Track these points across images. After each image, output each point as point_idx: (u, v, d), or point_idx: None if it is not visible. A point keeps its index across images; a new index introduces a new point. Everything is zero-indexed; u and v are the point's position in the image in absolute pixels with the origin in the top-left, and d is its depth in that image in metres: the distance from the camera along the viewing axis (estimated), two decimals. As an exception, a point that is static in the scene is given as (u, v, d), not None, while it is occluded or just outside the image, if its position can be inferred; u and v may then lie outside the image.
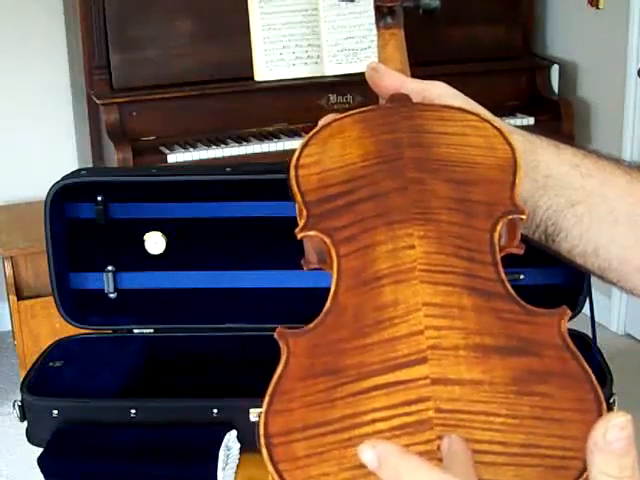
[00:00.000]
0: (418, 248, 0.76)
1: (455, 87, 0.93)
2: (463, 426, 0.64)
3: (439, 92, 0.92)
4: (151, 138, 3.08)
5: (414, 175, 0.83)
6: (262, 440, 0.67)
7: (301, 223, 0.83)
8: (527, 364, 0.68)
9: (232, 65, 3.16)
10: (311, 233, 0.82)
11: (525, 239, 0.88)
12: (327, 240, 0.81)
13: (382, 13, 1.06)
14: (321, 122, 0.91)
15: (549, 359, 0.69)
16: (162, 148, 3.05)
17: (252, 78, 3.18)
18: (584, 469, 0.60)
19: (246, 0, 3.16)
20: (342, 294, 0.77)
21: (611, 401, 1.39)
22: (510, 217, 0.80)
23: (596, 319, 1.48)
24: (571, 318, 1.50)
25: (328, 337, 0.73)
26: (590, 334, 1.50)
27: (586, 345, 1.52)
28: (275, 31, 3.19)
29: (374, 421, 0.65)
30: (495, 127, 0.87)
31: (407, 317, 0.71)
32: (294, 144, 3.11)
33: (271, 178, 1.52)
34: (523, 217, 0.80)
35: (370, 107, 0.93)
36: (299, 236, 0.83)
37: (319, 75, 3.22)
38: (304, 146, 0.89)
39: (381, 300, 0.74)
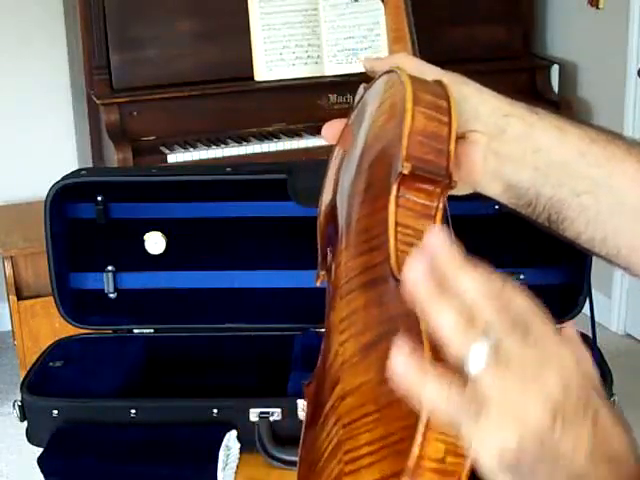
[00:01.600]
0: (342, 263, 0.76)
1: None
2: (354, 436, 0.65)
3: (430, 71, 0.85)
4: (151, 138, 3.08)
5: (352, 186, 0.81)
6: None
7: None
8: (390, 345, 0.61)
9: (232, 65, 3.16)
10: (321, 278, 0.85)
11: (529, 220, 0.84)
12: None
13: None
14: None
15: (403, 330, 0.61)
16: (162, 148, 3.05)
17: (252, 78, 3.18)
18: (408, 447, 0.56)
19: (246, 0, 3.16)
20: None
21: (611, 401, 1.40)
22: (395, 181, 0.70)
23: (596, 319, 1.48)
24: (571, 318, 1.51)
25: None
26: (590, 334, 1.50)
27: (586, 345, 1.52)
28: (275, 31, 3.19)
29: (324, 451, 0.70)
30: (399, 73, 0.76)
31: (332, 339, 0.73)
32: (294, 144, 3.11)
33: (271, 178, 1.52)
34: (405, 172, 0.69)
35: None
36: (318, 282, 0.86)
37: (319, 75, 3.22)
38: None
39: (326, 340, 0.77)
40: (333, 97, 3.20)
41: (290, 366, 1.51)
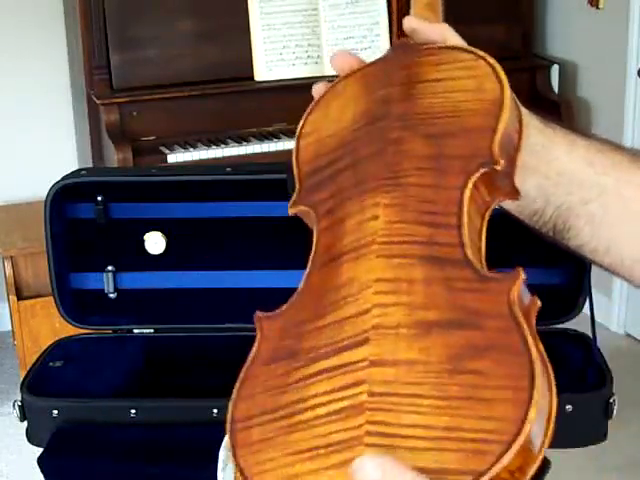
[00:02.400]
0: (381, 218, 0.72)
1: None
2: (392, 410, 0.62)
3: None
4: (151, 138, 3.08)
5: (394, 135, 0.78)
6: (227, 426, 0.67)
7: (292, 198, 0.81)
8: (467, 338, 0.63)
9: (232, 65, 3.16)
10: (296, 209, 0.80)
11: (529, 229, 0.85)
12: (312, 214, 0.78)
13: None
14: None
15: (490, 331, 0.63)
16: (162, 148, 3.05)
17: (252, 78, 3.18)
18: (503, 452, 0.57)
19: (246, 0, 3.16)
20: (312, 273, 0.74)
21: (611, 401, 1.40)
22: (483, 171, 0.73)
23: (596, 319, 1.48)
24: (571, 318, 1.51)
25: (294, 319, 0.71)
26: (590, 334, 1.50)
27: (586, 345, 1.52)
28: (275, 31, 3.19)
29: (315, 406, 0.64)
30: (489, 63, 0.80)
31: (358, 295, 0.68)
32: (294, 144, 3.11)
33: (271, 178, 1.52)
34: (497, 168, 0.73)
35: (376, 59, 0.87)
36: (290, 212, 0.81)
37: (319, 75, 3.22)
38: (309, 113, 0.85)
39: (340, 279, 0.71)
40: (333, 97, 3.20)
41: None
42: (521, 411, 0.58)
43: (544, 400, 0.60)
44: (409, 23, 0.89)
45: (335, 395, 0.64)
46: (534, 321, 0.65)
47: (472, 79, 0.79)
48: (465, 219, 0.70)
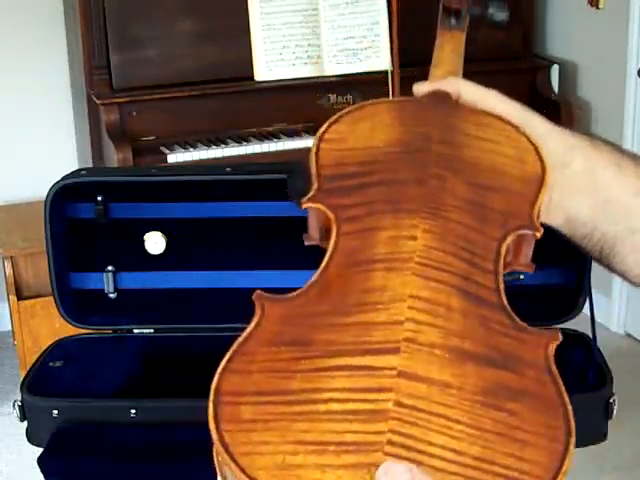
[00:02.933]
0: (420, 240, 0.75)
1: None
2: (420, 425, 0.62)
3: (493, 101, 0.90)
4: (151, 138, 3.08)
5: (436, 171, 0.81)
6: (211, 395, 0.67)
7: (309, 194, 0.82)
8: (503, 378, 0.65)
9: (232, 65, 3.16)
10: (314, 205, 0.81)
11: (581, 249, 0.87)
12: (331, 216, 0.79)
13: (447, 13, 1.04)
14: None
15: (527, 379, 0.66)
16: (162, 148, 3.05)
17: (252, 78, 3.17)
18: None
19: (246, 0, 3.16)
20: (332, 269, 0.75)
21: (611, 401, 1.40)
22: (522, 232, 0.78)
23: (596, 319, 1.48)
24: (571, 318, 1.51)
25: (307, 309, 0.72)
26: (590, 334, 1.50)
27: (586, 345, 1.52)
28: (275, 31, 3.19)
29: (330, 400, 0.63)
30: (531, 142, 0.85)
31: (390, 305, 0.69)
32: (294, 144, 3.11)
33: (271, 178, 1.52)
34: (537, 235, 0.78)
35: (409, 97, 0.92)
36: (304, 206, 0.82)
37: (319, 75, 3.22)
38: (333, 122, 0.89)
39: (369, 283, 0.72)
40: (333, 97, 3.20)
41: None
42: (557, 461, 0.60)
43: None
44: (421, 88, 0.91)
45: (355, 395, 0.64)
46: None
47: (514, 149, 0.84)
48: (500, 269, 0.74)
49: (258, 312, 0.73)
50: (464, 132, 0.86)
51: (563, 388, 0.66)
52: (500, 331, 0.69)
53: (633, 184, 0.86)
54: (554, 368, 0.67)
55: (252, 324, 0.72)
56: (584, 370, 1.49)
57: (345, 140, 0.86)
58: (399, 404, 0.63)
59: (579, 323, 1.48)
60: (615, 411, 1.40)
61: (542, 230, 0.78)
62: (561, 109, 3.37)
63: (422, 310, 0.69)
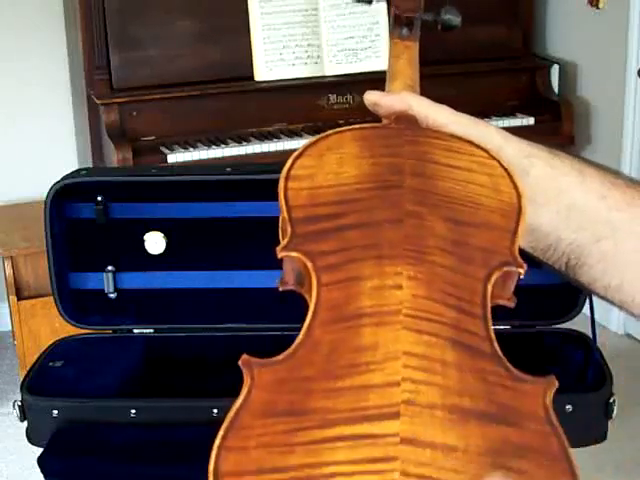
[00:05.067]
0: (406, 290, 0.71)
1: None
2: None
3: (444, 121, 0.86)
4: (151, 138, 3.08)
5: (412, 208, 0.78)
6: (210, 477, 0.63)
7: (284, 242, 0.78)
8: (505, 434, 0.63)
9: (232, 65, 3.16)
10: (293, 254, 0.76)
11: (540, 262, 0.84)
12: (309, 264, 0.75)
13: (399, 23, 1.00)
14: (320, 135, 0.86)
15: (529, 432, 0.64)
16: (162, 148, 3.05)
17: (252, 78, 3.18)
18: None
19: (246, 0, 3.16)
20: (317, 327, 0.71)
21: (611, 401, 1.40)
22: (506, 269, 0.75)
23: (596, 319, 1.47)
24: (571, 318, 1.50)
25: (296, 373, 0.68)
26: (590, 334, 1.50)
27: (586, 345, 1.52)
28: (275, 31, 3.19)
29: (334, 475, 0.60)
30: (503, 167, 0.82)
31: (384, 364, 0.66)
32: (294, 144, 3.11)
33: (271, 178, 1.51)
34: (521, 271, 0.75)
35: (373, 124, 0.88)
36: (280, 255, 0.78)
37: (319, 75, 3.22)
38: (298, 156, 0.84)
39: (359, 341, 0.68)
40: (333, 97, 3.20)
41: (290, 366, 1.51)
42: None
43: None
44: (369, 97, 0.89)
45: (361, 467, 0.61)
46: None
47: (487, 176, 0.81)
48: (489, 312, 0.71)
49: (247, 380, 0.69)
50: (435, 161, 0.82)
51: (563, 435, 0.64)
52: (497, 383, 0.67)
53: (597, 189, 0.83)
54: (554, 419, 0.65)
55: (242, 394, 0.68)
56: (584, 370, 1.49)
57: (313, 176, 0.82)
58: (406, 474, 0.60)
59: (579, 323, 1.48)
60: (615, 411, 1.39)
61: (525, 266, 0.75)
62: (561, 109, 3.37)
63: (418, 368, 0.66)
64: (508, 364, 0.68)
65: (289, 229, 0.78)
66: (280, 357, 0.70)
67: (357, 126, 0.86)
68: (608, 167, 0.88)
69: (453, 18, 1.01)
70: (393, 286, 0.71)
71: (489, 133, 0.85)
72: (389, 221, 0.77)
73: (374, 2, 1.02)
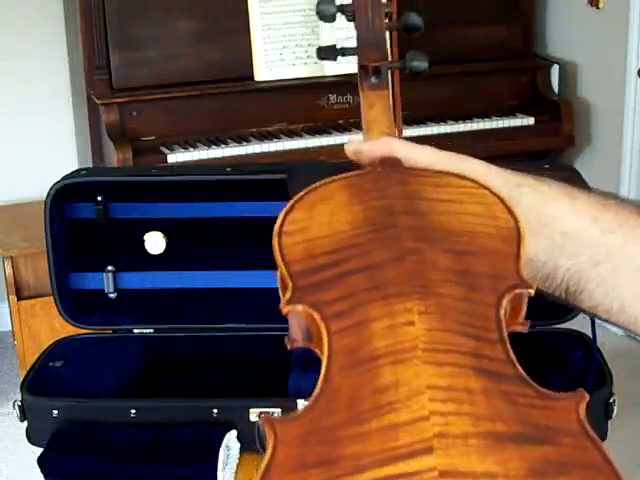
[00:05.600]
0: (418, 325, 0.70)
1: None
2: None
3: (427, 162, 0.85)
4: (151, 138, 3.08)
5: (411, 245, 0.76)
6: None
7: (286, 296, 0.76)
8: (544, 454, 0.61)
9: (232, 65, 3.16)
10: (299, 308, 0.74)
11: (540, 293, 0.83)
12: (316, 316, 0.73)
13: (367, 72, 0.98)
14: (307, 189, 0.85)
15: (568, 448, 0.63)
16: (162, 148, 3.05)
17: (252, 78, 3.18)
18: None
19: (246, 0, 3.16)
20: (335, 375, 0.69)
21: (611, 401, 1.39)
22: (517, 291, 0.74)
23: (596, 319, 1.47)
24: (571, 318, 1.50)
25: (321, 423, 0.66)
26: (590, 334, 1.50)
27: (586, 345, 1.52)
28: (275, 31, 3.19)
29: None
30: (494, 194, 0.81)
31: (409, 401, 0.64)
32: (294, 144, 3.11)
33: (271, 178, 1.52)
34: (531, 291, 0.74)
35: (357, 172, 0.86)
36: (285, 311, 0.76)
37: (319, 75, 3.22)
38: (288, 211, 0.83)
39: (379, 382, 0.67)
40: (333, 97, 3.20)
41: (290, 366, 1.51)
42: None
43: None
44: (350, 147, 0.87)
45: None
46: None
47: (480, 205, 0.80)
48: (505, 336, 0.70)
49: (271, 438, 0.66)
50: (425, 197, 0.81)
51: (604, 448, 0.63)
52: (526, 403, 0.65)
53: (588, 213, 0.82)
54: (590, 430, 0.64)
55: (268, 452, 0.65)
56: (584, 370, 1.49)
57: (306, 229, 0.81)
58: None
59: (579, 323, 1.48)
60: (615, 411, 1.39)
61: (534, 287, 0.74)
62: (561, 109, 3.37)
63: (444, 400, 0.64)
64: (534, 384, 0.67)
65: (290, 283, 0.77)
66: (301, 411, 0.68)
67: (342, 175, 0.85)
68: (597, 189, 0.87)
69: (420, 64, 0.99)
70: (405, 323, 0.70)
71: (474, 166, 0.84)
72: (390, 260, 0.75)
73: (339, 57, 1.01)
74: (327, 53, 1.02)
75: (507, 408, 0.64)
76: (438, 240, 0.77)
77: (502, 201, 0.80)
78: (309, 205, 0.84)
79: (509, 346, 0.70)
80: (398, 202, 0.81)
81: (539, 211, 0.82)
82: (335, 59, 1.02)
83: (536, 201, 0.82)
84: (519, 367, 0.68)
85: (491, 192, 0.81)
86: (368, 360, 0.69)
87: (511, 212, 0.79)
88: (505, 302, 0.73)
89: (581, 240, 0.82)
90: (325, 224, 0.81)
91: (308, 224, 0.82)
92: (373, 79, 0.98)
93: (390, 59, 0.98)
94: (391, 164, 0.85)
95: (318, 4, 1.00)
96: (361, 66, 0.98)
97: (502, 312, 0.72)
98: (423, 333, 0.69)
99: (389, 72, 0.98)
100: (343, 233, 0.79)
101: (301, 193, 0.85)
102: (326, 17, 1.00)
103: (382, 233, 0.78)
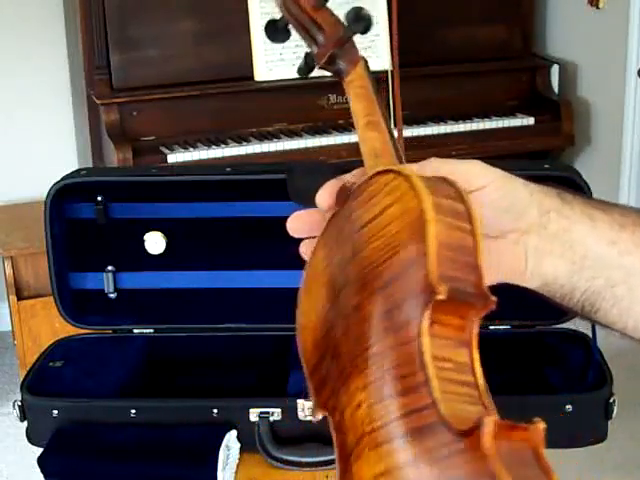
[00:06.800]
0: (363, 405, 0.66)
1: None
2: None
3: (483, 183, 0.77)
4: (151, 138, 3.08)
5: (354, 302, 0.69)
6: None
7: (313, 405, 0.73)
8: None
9: (232, 65, 3.16)
10: (319, 413, 0.72)
11: (562, 308, 0.83)
12: (328, 416, 0.71)
13: (331, 66, 0.94)
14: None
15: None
16: (162, 148, 3.05)
17: (252, 78, 3.18)
18: None
19: (246, 0, 3.16)
20: (339, 476, 0.69)
21: (611, 401, 1.40)
22: (427, 311, 0.63)
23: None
24: (571, 318, 1.51)
25: None
26: (590, 334, 1.51)
27: (586, 345, 1.52)
28: (275, 31, 3.19)
29: None
30: (404, 175, 0.68)
31: None
32: (294, 144, 3.11)
33: (271, 178, 1.52)
34: (440, 297, 0.62)
35: (330, 217, 0.76)
36: (318, 416, 0.73)
37: (319, 75, 3.21)
38: (300, 302, 0.76)
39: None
40: (333, 97, 3.20)
41: (290, 366, 1.51)
42: None
43: None
44: (324, 191, 0.78)
45: None
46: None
47: (397, 203, 0.68)
48: (431, 370, 0.62)
49: None
50: (362, 224, 0.71)
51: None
52: (446, 455, 0.61)
53: (607, 235, 0.83)
54: (497, 466, 0.59)
55: None
56: (584, 370, 1.49)
57: (309, 317, 0.75)
58: None
59: (579, 323, 1.48)
60: (615, 411, 1.40)
61: (443, 287, 0.62)
62: (561, 109, 3.37)
63: None
64: (452, 420, 0.61)
65: (310, 389, 0.73)
66: None
67: (323, 230, 0.76)
68: (614, 203, 0.87)
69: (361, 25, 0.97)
70: (356, 407, 0.66)
71: (515, 188, 0.80)
72: (344, 333, 0.69)
73: (315, 69, 0.99)
74: (303, 71, 1.00)
75: (432, 472, 0.61)
76: (369, 279, 0.68)
77: (409, 180, 0.68)
78: (308, 286, 0.76)
79: (435, 382, 0.62)
80: (347, 248, 0.72)
81: (564, 236, 0.82)
82: (307, 75, 1.00)
83: (561, 226, 0.82)
84: (442, 405, 0.62)
85: (402, 175, 0.68)
86: (346, 458, 0.68)
87: (415, 190, 0.67)
88: (424, 328, 0.63)
89: (600, 264, 0.83)
90: (306, 312, 0.75)
91: (308, 309, 0.75)
92: (336, 68, 0.95)
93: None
94: (340, 194, 0.75)
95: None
96: (323, 67, 0.95)
97: (426, 341, 0.63)
98: (365, 413, 0.65)
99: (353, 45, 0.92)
100: (321, 311, 0.73)
101: (305, 272, 0.76)
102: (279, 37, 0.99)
103: (338, 299, 0.71)
